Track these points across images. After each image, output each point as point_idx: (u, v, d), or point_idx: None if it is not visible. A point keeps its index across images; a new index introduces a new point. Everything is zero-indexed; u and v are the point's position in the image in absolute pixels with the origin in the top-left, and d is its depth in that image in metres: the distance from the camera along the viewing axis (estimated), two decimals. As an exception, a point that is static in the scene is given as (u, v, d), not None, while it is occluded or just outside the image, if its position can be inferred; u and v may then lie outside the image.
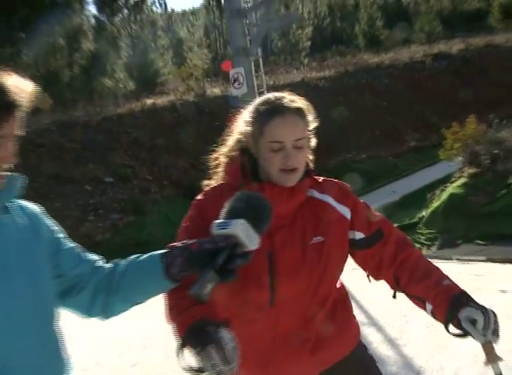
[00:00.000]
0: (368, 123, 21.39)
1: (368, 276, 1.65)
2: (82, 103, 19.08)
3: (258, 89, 8.05)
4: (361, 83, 23.79)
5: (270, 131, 1.48)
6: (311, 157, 1.63)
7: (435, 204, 11.00)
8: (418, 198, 13.03)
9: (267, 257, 1.49)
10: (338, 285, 1.66)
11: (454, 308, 1.42)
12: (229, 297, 1.52)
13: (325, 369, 1.62)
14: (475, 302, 1.43)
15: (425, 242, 10.16)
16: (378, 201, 14.90)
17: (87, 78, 21.97)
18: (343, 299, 1.67)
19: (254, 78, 7.92)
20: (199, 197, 1.58)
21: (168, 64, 27.70)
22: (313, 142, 1.58)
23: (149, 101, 19.75)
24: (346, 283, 1.73)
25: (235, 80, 7.75)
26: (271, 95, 1.55)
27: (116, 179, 15.92)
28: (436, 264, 1.60)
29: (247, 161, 1.57)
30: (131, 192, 15.70)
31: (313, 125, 1.55)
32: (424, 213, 11.24)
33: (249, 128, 1.54)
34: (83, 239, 13.05)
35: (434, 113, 23.01)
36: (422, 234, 10.53)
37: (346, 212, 1.59)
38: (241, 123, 1.58)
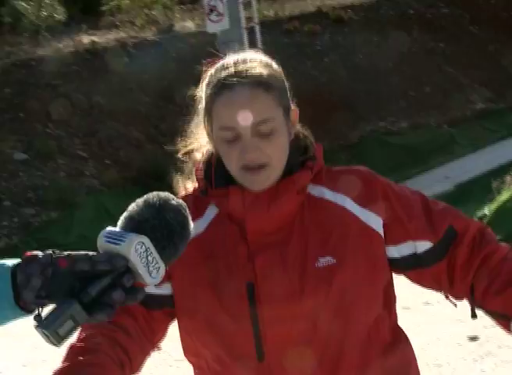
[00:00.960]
0: (414, 75, 21.35)
1: (447, 297, 1.69)
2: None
3: (247, 23, 8.14)
4: (407, 13, 23.72)
5: (218, 114, 1.54)
6: (311, 138, 1.67)
7: (505, 196, 10.99)
8: (481, 188, 13.04)
9: (246, 288, 1.52)
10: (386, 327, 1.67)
11: None
12: (197, 345, 1.56)
13: None
14: None
15: (486, 254, 10.17)
16: (422, 190, 14.91)
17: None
18: (394, 347, 1.67)
19: (241, 7, 8.03)
20: None
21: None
22: (296, 124, 1.62)
23: (87, 39, 19.80)
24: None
25: (212, 10, 7.90)
26: (230, 57, 1.59)
27: (32, 155, 15.92)
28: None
29: (213, 156, 1.64)
30: (54, 175, 15.68)
31: (288, 99, 1.59)
32: (488, 210, 11.21)
33: (202, 107, 1.61)
34: (-25, 244, 13.15)
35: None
36: (482, 242, 10.54)
37: (374, 221, 1.62)
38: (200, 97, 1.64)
